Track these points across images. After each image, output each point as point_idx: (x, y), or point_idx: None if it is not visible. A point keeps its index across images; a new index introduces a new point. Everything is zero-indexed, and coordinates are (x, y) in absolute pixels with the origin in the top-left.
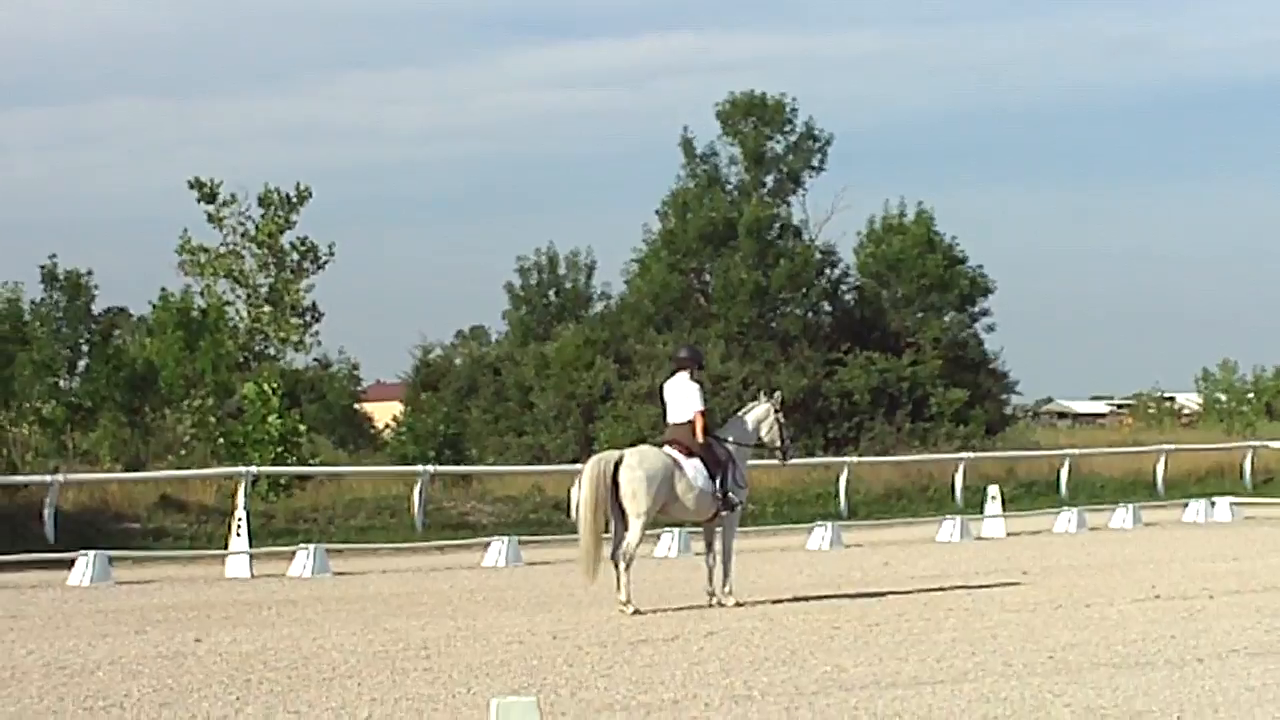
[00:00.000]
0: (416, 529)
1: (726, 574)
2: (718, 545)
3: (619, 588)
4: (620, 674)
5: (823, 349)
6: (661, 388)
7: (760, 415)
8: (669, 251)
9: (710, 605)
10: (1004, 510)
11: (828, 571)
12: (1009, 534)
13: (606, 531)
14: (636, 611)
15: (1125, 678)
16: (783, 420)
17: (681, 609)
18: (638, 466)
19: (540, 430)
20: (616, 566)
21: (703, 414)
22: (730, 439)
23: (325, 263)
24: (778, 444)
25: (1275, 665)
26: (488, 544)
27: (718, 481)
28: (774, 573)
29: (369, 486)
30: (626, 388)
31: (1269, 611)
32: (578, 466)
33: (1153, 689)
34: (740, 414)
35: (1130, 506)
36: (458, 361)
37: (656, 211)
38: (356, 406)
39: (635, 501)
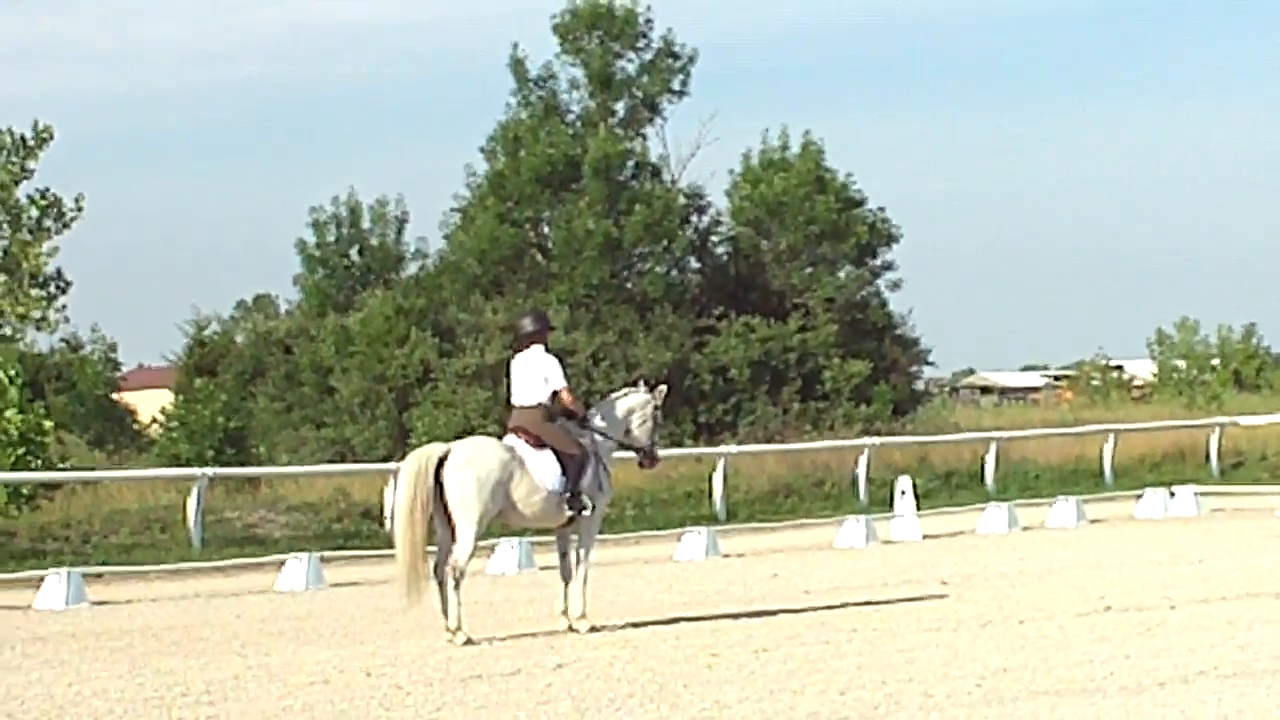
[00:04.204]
0: (193, 546)
1: (582, 592)
2: (572, 557)
3: (446, 612)
4: (450, 718)
5: (690, 315)
6: (508, 365)
7: (634, 405)
8: (498, 198)
9: (562, 631)
10: (918, 507)
11: (703, 587)
12: (924, 536)
13: (430, 544)
14: (469, 640)
15: (1070, 708)
16: (660, 418)
17: (524, 636)
18: (467, 464)
19: (344, 421)
20: (443, 586)
21: (570, 391)
22: (599, 426)
23: (72, 220)
24: (645, 443)
25: (1251, 688)
26: (283, 562)
27: (570, 479)
28: (637, 590)
29: (133, 495)
30: (449, 366)
31: (1242, 624)
32: (393, 465)
33: None
34: (611, 398)
35: (1072, 499)
36: (239, 339)
37: (481, 149)
38: (115, 397)
39: (465, 507)
